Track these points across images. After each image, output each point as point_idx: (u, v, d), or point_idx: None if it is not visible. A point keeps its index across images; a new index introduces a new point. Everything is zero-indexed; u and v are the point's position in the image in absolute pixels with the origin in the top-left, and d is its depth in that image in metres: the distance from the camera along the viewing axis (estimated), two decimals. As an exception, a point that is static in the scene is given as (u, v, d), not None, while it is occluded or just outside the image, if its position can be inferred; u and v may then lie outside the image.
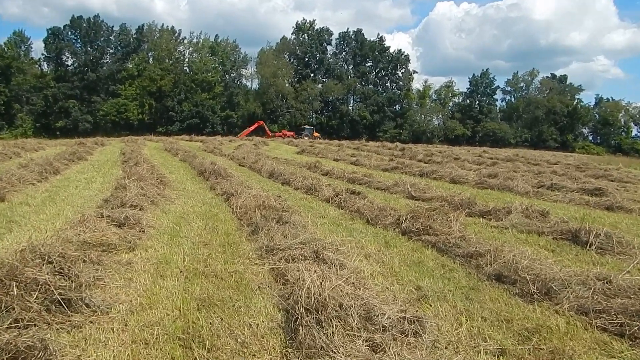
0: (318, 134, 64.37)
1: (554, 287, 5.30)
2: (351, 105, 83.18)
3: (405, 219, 8.28)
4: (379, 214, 9.13)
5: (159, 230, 7.90)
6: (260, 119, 67.60)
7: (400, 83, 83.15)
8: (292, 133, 62.67)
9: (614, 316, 4.69)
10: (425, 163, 24.07)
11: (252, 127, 61.59)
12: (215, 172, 14.59)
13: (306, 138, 57.65)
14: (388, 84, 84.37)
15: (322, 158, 25.90)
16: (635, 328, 4.48)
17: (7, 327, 4.08)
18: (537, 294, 5.31)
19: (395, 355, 3.84)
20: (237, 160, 21.96)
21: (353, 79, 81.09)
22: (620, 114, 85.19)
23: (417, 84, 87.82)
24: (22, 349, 3.83)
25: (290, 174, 14.92)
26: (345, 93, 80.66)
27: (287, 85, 76.78)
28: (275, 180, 14.95)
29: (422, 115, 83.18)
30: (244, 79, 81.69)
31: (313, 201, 11.28)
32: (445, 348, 4.23)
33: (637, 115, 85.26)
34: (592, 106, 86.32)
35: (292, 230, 7.26)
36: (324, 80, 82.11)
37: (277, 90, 74.35)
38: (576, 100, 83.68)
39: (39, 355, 3.87)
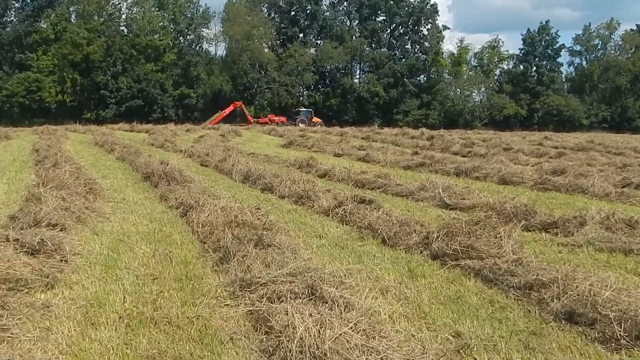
0: (319, 119, 64.52)
1: (649, 330, 5.29)
2: (357, 77, 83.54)
3: (437, 236, 8.26)
4: (399, 230, 9.13)
5: (89, 260, 7.88)
6: (229, 97, 67.78)
7: (426, 44, 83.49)
8: (282, 118, 62.89)
9: None
10: (463, 157, 24.09)
11: (227, 111, 61.92)
12: (168, 175, 14.51)
13: (302, 125, 57.68)
14: (408, 46, 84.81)
15: (317, 153, 25.88)
16: None
17: None
18: (625, 339, 5.28)
19: None
20: (198, 157, 21.93)
21: (359, 40, 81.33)
22: None
23: (449, 46, 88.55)
24: None
25: (274, 177, 14.90)
26: (348, 60, 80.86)
27: (266, 50, 76.85)
28: (253, 186, 14.96)
29: (458, 89, 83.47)
30: (205, 43, 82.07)
31: (306, 214, 11.30)
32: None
33: None
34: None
35: (277, 257, 7.23)
36: (319, 42, 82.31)
37: (252, 58, 74.38)
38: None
39: None
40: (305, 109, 67.35)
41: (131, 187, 14.80)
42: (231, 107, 63.00)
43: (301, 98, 77.90)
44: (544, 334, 5.56)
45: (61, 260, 7.49)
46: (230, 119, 60.92)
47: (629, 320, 5.41)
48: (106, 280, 7.04)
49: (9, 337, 5.28)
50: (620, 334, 5.33)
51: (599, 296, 5.80)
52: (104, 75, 69.15)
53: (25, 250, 7.42)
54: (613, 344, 5.27)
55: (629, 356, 5.06)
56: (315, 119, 63.91)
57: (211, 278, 7.18)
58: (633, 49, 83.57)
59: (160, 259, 7.98)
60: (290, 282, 6.28)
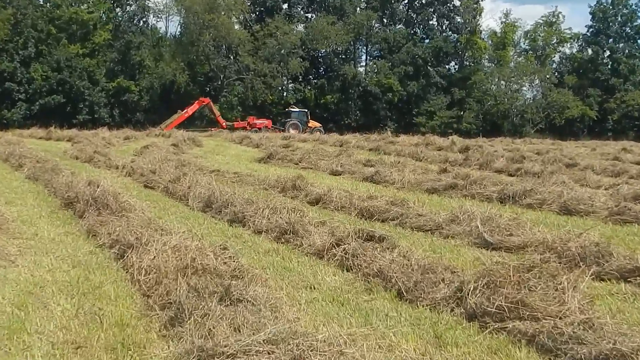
0: (318, 124, 64.63)
1: None
2: (363, 64, 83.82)
3: (475, 288, 8.28)
4: (421, 279, 9.12)
5: (-14, 321, 7.81)
6: (186, 92, 67.98)
7: (458, 20, 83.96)
8: (266, 122, 62.74)
9: None
10: (510, 176, 23.99)
11: (189, 111, 62.56)
12: (98, 201, 14.39)
13: (294, 131, 57.34)
14: (434, 22, 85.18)
15: (308, 170, 25.87)
16: None
17: None
18: None
19: None
20: (142, 176, 21.84)
21: (365, 14, 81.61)
22: None
23: (489, 21, 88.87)
24: None
25: (247, 204, 14.91)
26: (351, 41, 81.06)
27: (237, 27, 77.05)
28: (217, 216, 14.96)
29: (502, 82, 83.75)
30: (152, 17, 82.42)
31: (292, 256, 11.27)
32: None
33: None
34: None
35: (250, 317, 7.19)
36: (309, 16, 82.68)
37: (218, 38, 74.52)
38: None
39: None
40: (298, 109, 67.51)
41: (47, 217, 14.65)
42: (195, 106, 63.17)
43: (285, 93, 77.97)
44: None
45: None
46: (189, 123, 61.14)
47: None
48: (9, 349, 6.95)
49: None
50: None
51: None
52: (11, 62, 68.94)
53: None
54: None
55: None
56: (313, 123, 63.59)
57: (158, 346, 7.10)
58: None
59: (86, 320, 7.87)
60: (269, 353, 6.26)
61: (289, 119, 63.18)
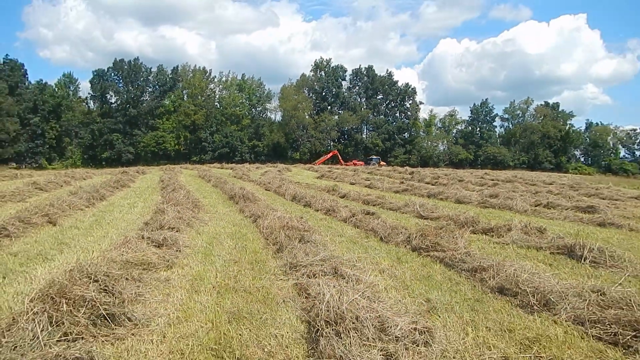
0: (384, 163, 62.17)
1: (552, 299, 5.21)
2: (365, 133, 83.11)
3: (415, 236, 8.16)
4: (391, 232, 8.98)
5: (194, 250, 7.83)
6: (283, 147, 67.80)
7: (409, 113, 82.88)
8: (361, 163, 60.72)
9: (608, 326, 4.60)
10: (432, 185, 23.67)
11: (328, 156, 61.84)
12: (244, 196, 14.42)
13: (372, 166, 54.29)
14: (397, 114, 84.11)
15: (339, 182, 25.65)
16: (628, 337, 4.39)
17: (57, 341, 4.13)
18: (536, 306, 5.22)
19: (407, 364, 3.79)
20: (263, 185, 21.62)
21: (366, 110, 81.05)
22: (609, 137, 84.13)
23: (423, 114, 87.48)
24: None
25: (311, 197, 14.64)
26: (359, 123, 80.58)
27: (306, 117, 77.01)
28: (298, 203, 14.69)
29: (429, 142, 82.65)
30: (268, 112, 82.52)
31: (332, 221, 11.09)
32: (453, 357, 4.18)
33: (624, 138, 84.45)
34: (582, 130, 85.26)
35: (313, 249, 7.18)
36: (340, 112, 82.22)
37: (297, 122, 74.52)
38: (568, 126, 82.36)
39: (87, 365, 3.90)
40: (375, 157, 63.77)
41: (221, 204, 14.42)
42: (330, 154, 61.91)
43: (329, 147, 77.31)
44: (484, 301, 5.49)
45: (176, 251, 7.50)
46: (327, 161, 61.09)
47: (539, 294, 5.36)
48: (205, 263, 7.02)
49: (143, 300, 5.35)
50: (533, 303, 5.28)
51: (520, 277, 5.74)
52: (205, 133, 69.58)
53: (154, 244, 7.47)
54: (529, 309, 5.21)
55: (539, 317, 4.98)
56: (381, 163, 60.37)
57: (271, 262, 7.11)
58: (542, 117, 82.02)
59: (239, 250, 7.90)
60: (321, 265, 6.27)
61: (371, 161, 59.66)
